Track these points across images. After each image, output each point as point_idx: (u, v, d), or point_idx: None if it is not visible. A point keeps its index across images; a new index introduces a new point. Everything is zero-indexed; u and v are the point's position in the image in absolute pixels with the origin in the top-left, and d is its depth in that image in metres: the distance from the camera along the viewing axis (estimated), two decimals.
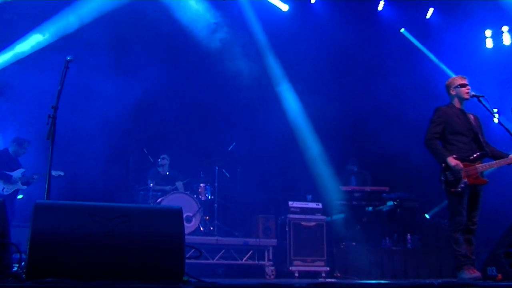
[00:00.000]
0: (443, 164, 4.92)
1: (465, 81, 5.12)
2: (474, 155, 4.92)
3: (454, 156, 4.89)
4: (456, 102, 5.15)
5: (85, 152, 7.98)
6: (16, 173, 7.23)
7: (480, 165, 4.91)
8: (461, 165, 4.81)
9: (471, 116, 5.13)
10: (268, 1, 9.54)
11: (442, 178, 4.94)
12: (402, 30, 10.06)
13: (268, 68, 9.36)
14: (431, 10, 9.95)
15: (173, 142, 8.82)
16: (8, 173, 7.17)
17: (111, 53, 8.67)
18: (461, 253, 4.77)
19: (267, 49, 9.58)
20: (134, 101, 8.82)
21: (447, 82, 5.22)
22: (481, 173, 4.93)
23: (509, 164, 4.96)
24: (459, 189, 4.81)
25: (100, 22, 8.45)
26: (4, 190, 7.10)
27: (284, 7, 9.58)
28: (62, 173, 7.22)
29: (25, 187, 7.28)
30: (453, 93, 5.15)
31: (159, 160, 8.24)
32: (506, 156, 4.98)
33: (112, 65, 8.65)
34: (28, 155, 7.50)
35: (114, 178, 8.33)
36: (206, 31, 9.05)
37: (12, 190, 7.18)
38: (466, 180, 4.82)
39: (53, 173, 7.13)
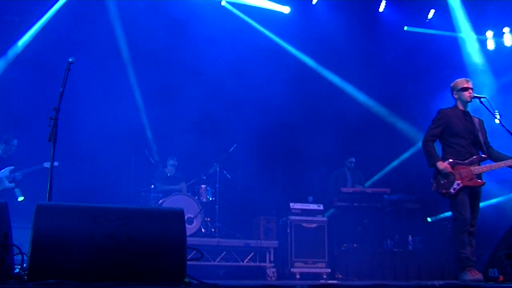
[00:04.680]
0: (434, 168, 5.02)
1: (468, 85, 5.14)
2: (471, 158, 4.96)
3: (451, 160, 4.97)
4: (459, 105, 5.20)
5: (87, 153, 8.00)
6: (3, 173, 7.08)
7: (476, 167, 4.94)
8: (449, 168, 4.91)
9: (476, 120, 5.16)
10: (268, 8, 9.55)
11: (432, 180, 5.06)
12: (406, 28, 10.06)
13: (269, 70, 9.35)
14: (432, 11, 9.95)
15: (174, 143, 8.82)
16: None
17: (114, 54, 8.70)
18: (465, 255, 4.78)
19: (268, 51, 9.60)
20: (135, 102, 8.85)
21: (451, 85, 5.27)
22: (479, 175, 4.95)
23: (509, 167, 4.97)
24: (452, 191, 4.89)
25: (104, 21, 8.51)
26: None
27: (286, 10, 9.59)
28: (57, 163, 7.12)
29: (12, 185, 7.11)
30: (456, 96, 5.21)
31: (168, 162, 8.25)
32: (508, 158, 4.99)
33: (114, 65, 8.68)
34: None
35: (116, 180, 8.34)
36: (207, 35, 9.08)
37: None
38: (459, 182, 4.88)
39: (46, 164, 7.08)
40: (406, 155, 9.69)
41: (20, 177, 7.16)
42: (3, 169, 7.16)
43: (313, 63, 9.91)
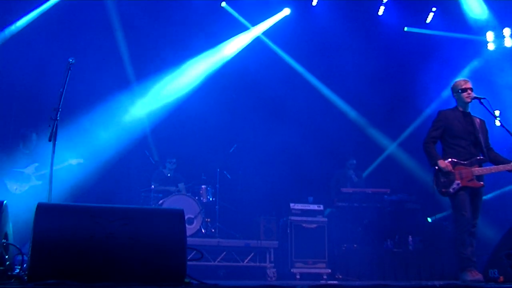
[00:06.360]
0: (436, 167, 5.05)
1: (467, 85, 5.15)
2: (471, 159, 4.96)
3: (450, 160, 4.99)
4: (459, 106, 5.22)
5: (87, 153, 7.99)
6: (29, 169, 6.79)
7: (477, 168, 4.95)
8: (450, 167, 4.94)
9: (477, 120, 5.17)
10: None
11: (432, 179, 5.09)
12: (406, 28, 10.05)
13: (268, 70, 9.35)
14: (432, 13, 9.94)
15: (174, 143, 8.82)
16: (18, 170, 6.71)
17: (114, 53, 8.70)
18: (465, 255, 4.79)
19: (269, 52, 9.60)
20: (135, 102, 8.85)
21: (451, 86, 5.30)
22: (478, 176, 4.95)
23: (509, 171, 4.96)
24: (451, 190, 4.91)
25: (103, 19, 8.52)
26: (17, 189, 6.60)
27: (286, 12, 9.59)
28: (81, 160, 6.95)
29: (40, 182, 6.76)
30: (456, 97, 5.25)
31: (167, 164, 8.24)
32: (507, 162, 4.99)
33: (114, 65, 8.68)
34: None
35: (116, 180, 8.33)
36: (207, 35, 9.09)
37: (27, 187, 6.69)
38: (459, 181, 4.89)
39: (72, 161, 6.99)
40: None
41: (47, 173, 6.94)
42: (28, 165, 6.81)
43: (312, 64, 9.90)
